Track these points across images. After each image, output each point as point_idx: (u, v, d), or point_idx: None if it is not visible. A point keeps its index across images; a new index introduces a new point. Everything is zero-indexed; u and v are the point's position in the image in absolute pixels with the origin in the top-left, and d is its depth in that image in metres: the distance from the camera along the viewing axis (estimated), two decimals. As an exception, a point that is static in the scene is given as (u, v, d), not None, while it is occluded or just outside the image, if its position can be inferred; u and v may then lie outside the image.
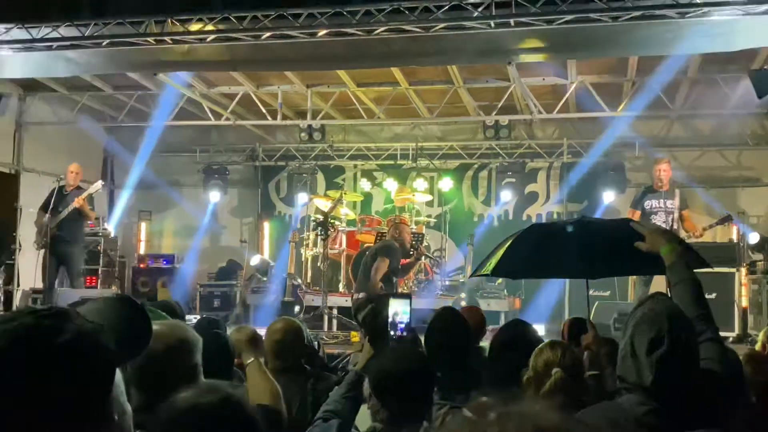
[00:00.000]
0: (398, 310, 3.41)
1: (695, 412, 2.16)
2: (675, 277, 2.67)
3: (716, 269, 9.38)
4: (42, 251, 9.86)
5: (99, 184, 10.13)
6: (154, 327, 2.35)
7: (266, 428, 2.46)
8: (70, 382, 0.97)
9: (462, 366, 3.80)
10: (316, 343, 5.09)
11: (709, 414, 2.20)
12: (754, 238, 10.80)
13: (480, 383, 3.54)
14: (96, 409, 1.00)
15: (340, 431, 2.75)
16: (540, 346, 3.04)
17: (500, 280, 11.46)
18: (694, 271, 2.76)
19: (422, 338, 3.68)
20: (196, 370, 2.34)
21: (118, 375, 1.09)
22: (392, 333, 3.35)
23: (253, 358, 3.09)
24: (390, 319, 3.37)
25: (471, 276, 10.44)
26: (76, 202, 9.61)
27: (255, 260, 12.46)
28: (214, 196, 13.65)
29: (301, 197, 13.22)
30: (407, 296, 3.60)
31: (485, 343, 5.41)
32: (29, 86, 11.90)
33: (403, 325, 3.41)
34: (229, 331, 3.99)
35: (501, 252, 4.22)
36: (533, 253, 4.24)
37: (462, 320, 3.98)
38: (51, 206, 9.67)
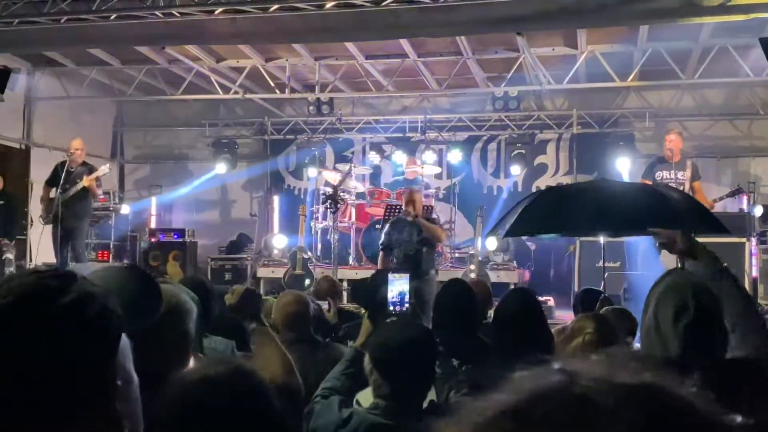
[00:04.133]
0: (397, 286, 3.38)
1: (725, 394, 2.10)
2: (711, 268, 2.61)
3: (726, 239, 9.40)
4: (48, 226, 9.91)
5: (106, 167, 10.18)
6: None
7: (282, 406, 2.45)
8: (72, 343, 0.95)
9: (471, 336, 3.82)
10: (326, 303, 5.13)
11: (739, 400, 2.14)
12: (758, 211, 10.74)
13: (489, 354, 3.56)
14: (98, 373, 0.98)
15: (340, 408, 2.68)
16: (581, 314, 3.05)
17: (509, 256, 11.49)
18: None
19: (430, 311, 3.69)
20: (186, 338, 2.21)
21: (125, 341, 1.07)
22: (392, 308, 3.31)
23: (254, 325, 2.70)
24: (389, 295, 3.33)
25: (486, 235, 10.42)
26: (85, 182, 9.67)
27: (280, 242, 12.37)
28: (224, 170, 13.68)
29: (311, 170, 13.22)
30: (406, 271, 3.58)
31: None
32: (38, 61, 11.90)
33: (400, 300, 3.37)
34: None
35: (516, 214, 4.18)
36: (549, 212, 4.18)
37: (470, 291, 4.01)
38: (58, 182, 9.72)
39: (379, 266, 8.06)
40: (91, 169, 9.93)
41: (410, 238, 7.74)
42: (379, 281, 3.30)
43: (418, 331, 2.79)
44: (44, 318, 0.96)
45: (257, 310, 2.81)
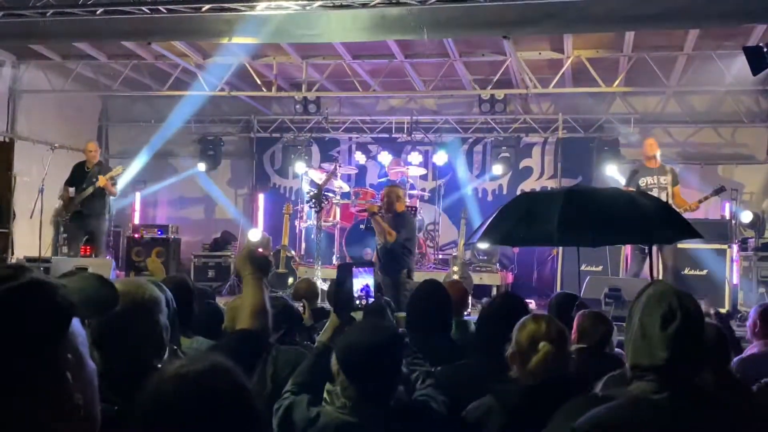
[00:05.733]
0: (361, 279, 3.37)
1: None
2: None
3: (708, 245, 9.47)
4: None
5: (120, 168, 10.66)
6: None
7: (247, 351, 2.44)
8: (17, 324, 1.00)
9: (443, 336, 3.84)
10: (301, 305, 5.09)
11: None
12: (746, 216, 10.82)
13: (463, 355, 3.58)
14: (45, 352, 1.03)
15: (309, 406, 2.67)
16: (522, 319, 2.96)
17: (494, 259, 11.52)
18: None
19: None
20: (157, 329, 2.21)
21: (79, 330, 1.10)
22: (357, 302, 3.30)
23: (249, 273, 2.65)
24: (355, 287, 3.31)
25: (465, 244, 10.51)
26: (101, 181, 9.95)
27: (255, 235, 12.40)
28: (209, 167, 13.66)
29: (297, 168, 13.19)
30: (371, 264, 3.57)
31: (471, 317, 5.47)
32: (23, 54, 11.81)
33: (366, 293, 3.36)
34: (223, 302, 3.94)
35: (490, 220, 4.23)
36: (521, 220, 4.23)
37: (443, 291, 4.03)
38: (76, 183, 10.13)
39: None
40: (105, 169, 10.30)
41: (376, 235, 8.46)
42: (344, 274, 3.28)
43: (385, 333, 2.76)
44: None
45: (263, 267, 2.72)
